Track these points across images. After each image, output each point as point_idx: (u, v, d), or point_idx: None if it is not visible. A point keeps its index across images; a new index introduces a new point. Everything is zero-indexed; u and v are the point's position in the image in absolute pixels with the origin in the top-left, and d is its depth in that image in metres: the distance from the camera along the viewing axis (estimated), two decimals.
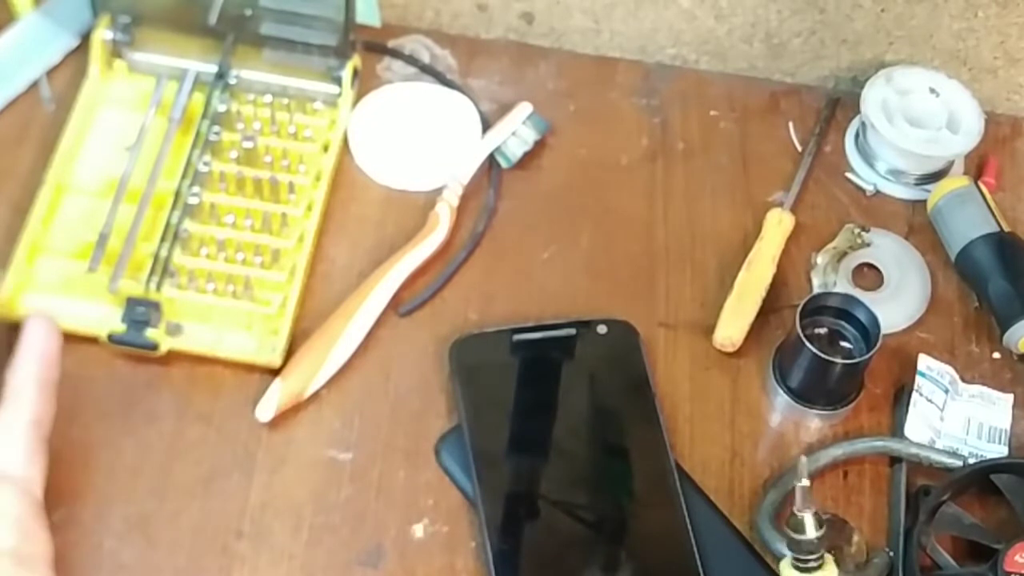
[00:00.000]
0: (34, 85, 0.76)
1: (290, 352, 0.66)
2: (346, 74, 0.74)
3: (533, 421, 0.65)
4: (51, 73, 0.76)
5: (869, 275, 0.73)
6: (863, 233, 0.73)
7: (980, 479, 0.64)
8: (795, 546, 0.58)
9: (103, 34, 0.74)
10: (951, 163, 0.77)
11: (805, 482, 0.57)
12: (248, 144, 0.72)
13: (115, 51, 0.75)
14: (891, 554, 0.63)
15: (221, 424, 0.65)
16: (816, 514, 0.58)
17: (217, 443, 0.64)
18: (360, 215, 0.73)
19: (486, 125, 0.76)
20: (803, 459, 0.58)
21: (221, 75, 0.74)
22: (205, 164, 0.71)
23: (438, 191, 0.73)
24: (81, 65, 0.75)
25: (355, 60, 0.75)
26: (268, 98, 0.74)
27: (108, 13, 0.74)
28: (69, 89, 0.75)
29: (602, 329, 0.68)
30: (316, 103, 0.75)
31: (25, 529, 0.55)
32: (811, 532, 0.57)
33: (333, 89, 0.75)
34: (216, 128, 0.72)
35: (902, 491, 0.65)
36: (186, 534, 0.62)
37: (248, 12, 0.73)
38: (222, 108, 0.73)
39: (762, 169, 0.76)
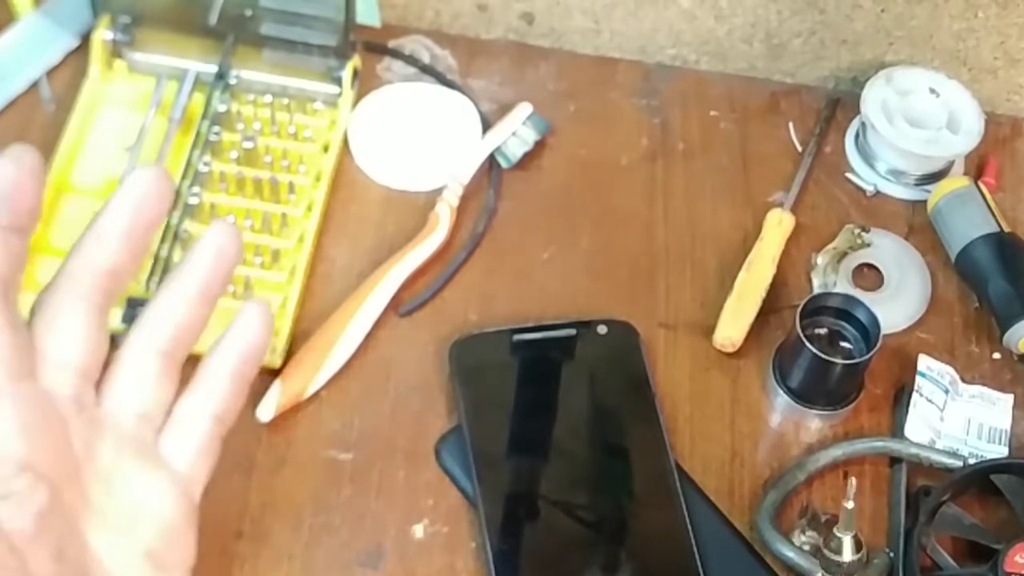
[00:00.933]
0: (34, 85, 0.75)
1: (290, 353, 0.66)
2: (346, 74, 0.74)
3: (533, 421, 0.65)
4: (51, 73, 0.76)
5: (869, 275, 0.73)
6: (863, 233, 0.73)
7: (980, 479, 0.64)
8: (831, 567, 0.58)
9: (103, 34, 0.74)
10: (951, 163, 0.76)
11: (850, 504, 0.58)
12: (248, 144, 0.72)
13: (115, 51, 0.75)
14: (891, 555, 0.62)
15: None
16: (856, 537, 0.58)
17: None
18: (360, 215, 0.72)
19: (486, 125, 0.76)
20: (852, 480, 0.58)
21: (221, 75, 0.74)
22: (205, 164, 0.70)
23: (438, 191, 0.72)
24: (81, 65, 0.75)
25: (355, 60, 0.74)
26: (268, 98, 0.74)
27: (108, 13, 0.74)
28: (69, 89, 0.75)
29: (602, 329, 0.68)
30: (316, 103, 0.75)
31: (173, 534, 0.48)
32: (848, 555, 0.58)
33: (333, 89, 0.75)
34: (216, 128, 0.72)
35: (902, 491, 0.64)
36: None
37: (248, 12, 0.73)
38: (222, 108, 0.73)
39: (762, 169, 0.76)
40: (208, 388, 0.49)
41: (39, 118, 0.74)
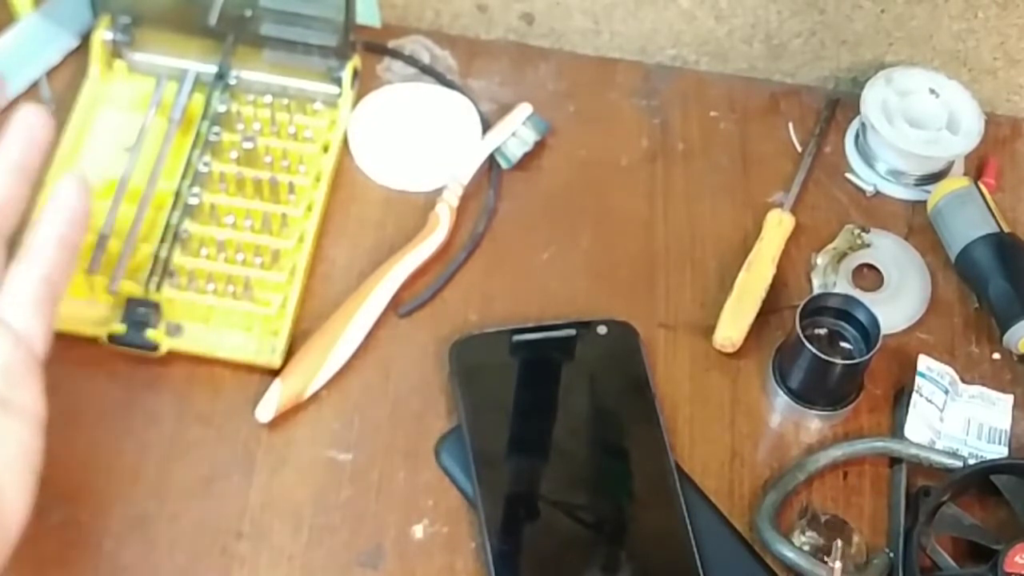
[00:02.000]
0: (34, 85, 0.75)
1: (290, 353, 0.66)
2: (346, 75, 0.73)
3: (533, 422, 0.65)
4: (51, 73, 0.76)
5: (869, 276, 0.72)
6: (863, 234, 0.73)
7: (980, 480, 0.64)
8: None
9: (103, 34, 0.74)
10: (951, 164, 0.76)
11: (837, 565, 0.59)
12: (248, 145, 0.71)
13: (115, 51, 0.75)
14: (891, 555, 0.62)
15: (221, 425, 0.64)
16: None
17: (217, 444, 0.64)
18: (360, 216, 0.72)
19: (486, 126, 0.75)
20: (837, 542, 0.59)
21: (221, 75, 0.73)
22: (205, 165, 0.70)
23: (438, 192, 0.72)
24: (81, 65, 0.75)
25: (355, 61, 0.74)
26: (268, 99, 0.73)
27: (108, 13, 0.74)
28: (69, 89, 0.74)
29: (602, 330, 0.67)
30: (316, 104, 0.74)
31: (13, 377, 0.54)
32: None
33: (333, 90, 0.74)
34: (216, 129, 0.71)
35: (902, 492, 0.64)
36: (186, 535, 0.61)
37: (248, 13, 0.72)
38: (222, 108, 0.72)
39: (762, 170, 0.76)
40: (35, 254, 0.56)
41: (51, 111, 0.73)
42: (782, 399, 0.67)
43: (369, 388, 0.66)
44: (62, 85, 0.75)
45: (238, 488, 0.62)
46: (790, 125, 0.78)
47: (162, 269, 0.66)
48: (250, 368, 0.65)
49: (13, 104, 0.74)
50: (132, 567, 0.60)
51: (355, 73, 0.74)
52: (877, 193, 0.76)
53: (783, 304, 0.70)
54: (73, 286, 0.66)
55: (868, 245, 0.73)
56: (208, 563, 0.61)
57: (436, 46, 0.79)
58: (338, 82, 0.74)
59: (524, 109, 0.75)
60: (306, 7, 0.71)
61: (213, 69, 0.74)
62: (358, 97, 0.75)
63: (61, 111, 0.73)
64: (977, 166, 0.77)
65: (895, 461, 0.65)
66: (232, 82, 0.74)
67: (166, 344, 0.65)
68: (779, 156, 0.77)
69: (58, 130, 0.71)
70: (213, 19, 0.73)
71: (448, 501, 0.63)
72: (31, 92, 0.75)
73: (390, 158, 0.74)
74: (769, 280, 0.70)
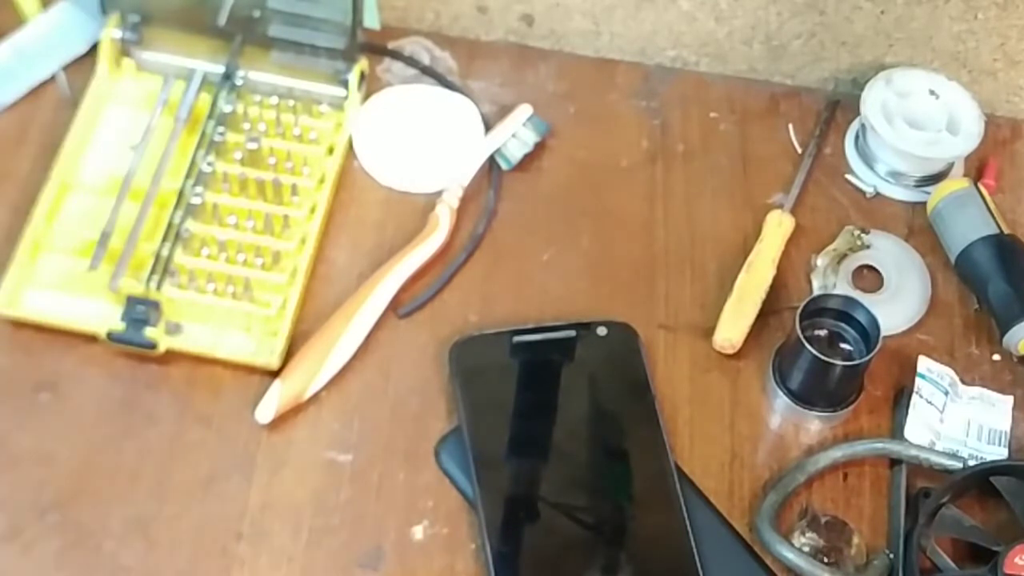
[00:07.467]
0: (62, 70, 0.73)
1: (290, 354, 0.64)
2: (353, 77, 0.71)
3: (533, 423, 0.63)
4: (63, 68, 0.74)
5: (869, 277, 0.70)
6: (863, 235, 0.71)
7: (980, 481, 0.62)
8: None
9: (112, 32, 0.72)
10: (951, 165, 0.74)
11: None
12: (252, 145, 0.69)
13: (124, 49, 0.73)
14: (891, 556, 0.61)
15: (221, 426, 0.63)
16: None
17: (217, 445, 0.62)
18: (360, 217, 0.70)
19: (486, 127, 0.73)
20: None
21: (228, 76, 0.71)
22: (209, 164, 0.68)
23: (438, 193, 0.70)
24: (90, 63, 0.73)
25: (362, 64, 0.72)
26: (274, 100, 0.72)
27: (117, 11, 0.72)
28: (77, 86, 0.72)
29: (602, 331, 0.65)
30: (322, 106, 0.72)
31: None
32: None
33: (339, 92, 0.72)
34: (221, 129, 0.70)
35: (902, 493, 0.62)
36: (186, 536, 0.59)
37: (257, 14, 0.70)
38: (228, 109, 0.70)
39: (762, 171, 0.74)
40: None
41: (45, 115, 0.72)
42: (782, 400, 0.65)
43: (369, 389, 0.64)
44: (71, 82, 0.73)
45: (238, 489, 0.61)
46: (790, 126, 0.76)
47: (163, 268, 0.65)
48: (250, 369, 0.64)
49: (38, 90, 0.73)
50: (132, 568, 0.59)
51: (362, 76, 0.72)
52: (877, 194, 0.74)
53: (783, 305, 0.69)
54: (75, 283, 0.65)
55: (868, 246, 0.71)
56: (208, 564, 0.59)
57: (436, 47, 0.77)
58: (345, 85, 0.72)
59: (524, 110, 0.73)
60: (314, 9, 0.70)
61: (220, 69, 0.72)
62: (362, 99, 0.73)
63: (67, 109, 0.71)
64: (977, 167, 0.75)
65: (895, 462, 0.64)
66: (239, 82, 0.72)
67: (165, 343, 0.63)
68: (779, 157, 0.75)
69: (64, 128, 0.70)
70: (222, 19, 0.71)
71: (448, 502, 0.61)
72: (34, 91, 0.73)
73: (393, 159, 0.72)
74: (769, 281, 0.68)
